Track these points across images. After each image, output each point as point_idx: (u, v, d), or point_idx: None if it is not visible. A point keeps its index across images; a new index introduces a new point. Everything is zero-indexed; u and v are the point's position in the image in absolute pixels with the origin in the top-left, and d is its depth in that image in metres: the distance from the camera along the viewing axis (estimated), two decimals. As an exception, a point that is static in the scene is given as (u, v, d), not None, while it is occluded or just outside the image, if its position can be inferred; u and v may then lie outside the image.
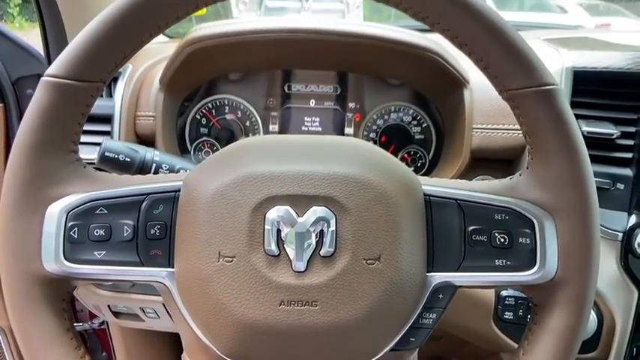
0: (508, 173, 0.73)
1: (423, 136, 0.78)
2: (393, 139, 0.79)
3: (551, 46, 0.69)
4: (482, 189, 0.39)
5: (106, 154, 0.50)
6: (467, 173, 0.69)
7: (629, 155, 0.62)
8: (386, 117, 0.79)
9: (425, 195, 0.38)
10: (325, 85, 0.79)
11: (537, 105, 0.35)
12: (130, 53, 0.36)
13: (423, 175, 0.77)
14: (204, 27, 0.63)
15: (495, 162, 0.70)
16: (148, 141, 0.73)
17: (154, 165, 0.52)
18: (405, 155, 0.78)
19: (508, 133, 0.66)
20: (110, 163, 0.50)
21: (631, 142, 0.62)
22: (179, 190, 0.38)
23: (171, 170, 0.52)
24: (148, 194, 0.37)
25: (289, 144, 0.39)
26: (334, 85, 0.80)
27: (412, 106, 0.78)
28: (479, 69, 0.37)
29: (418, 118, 0.78)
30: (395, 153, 0.78)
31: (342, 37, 0.64)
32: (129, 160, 0.50)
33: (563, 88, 0.63)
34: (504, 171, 0.70)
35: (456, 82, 0.68)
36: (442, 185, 0.39)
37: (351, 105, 0.80)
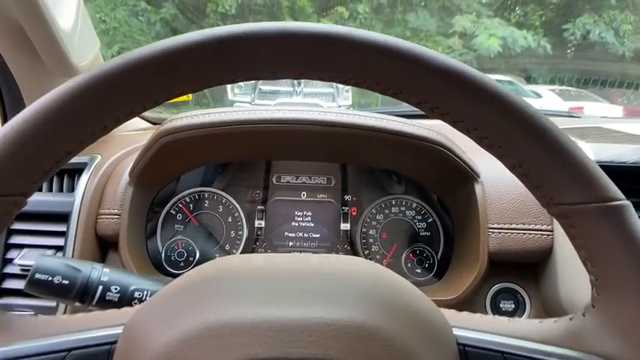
0: (534, 280, 0.63)
1: (429, 233, 0.69)
2: (395, 236, 0.69)
3: None
4: (534, 334, 0.29)
5: (37, 276, 0.39)
6: (486, 280, 0.59)
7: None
8: (386, 211, 0.70)
9: (459, 344, 0.28)
10: (318, 175, 0.72)
11: (602, 225, 0.26)
12: (65, 157, 0.28)
13: (433, 276, 0.66)
14: (180, 117, 0.57)
15: (518, 266, 0.60)
16: (110, 242, 0.63)
17: (101, 287, 0.41)
18: (410, 254, 0.68)
19: (530, 234, 0.57)
20: (42, 287, 0.39)
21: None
22: (116, 342, 0.26)
23: (123, 294, 0.41)
24: (70, 350, 0.26)
25: (271, 272, 0.29)
26: (328, 177, 0.72)
27: (415, 199, 0.70)
28: (515, 176, 0.29)
29: (422, 212, 0.70)
30: (398, 252, 0.68)
31: (332, 129, 0.57)
32: (67, 282, 0.39)
33: None
34: (529, 277, 0.60)
35: (465, 176, 0.60)
36: (479, 328, 0.29)
37: (347, 198, 0.71)
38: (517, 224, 0.58)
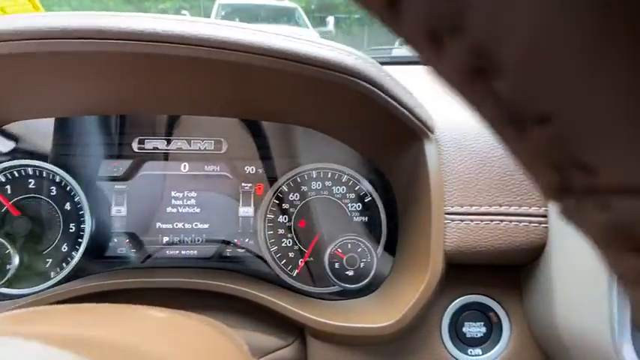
0: (515, 291, 0.41)
1: (365, 218, 0.47)
2: (316, 223, 0.47)
3: None
4: None
5: None
6: (442, 293, 0.38)
7: None
8: (304, 188, 0.48)
9: None
10: (204, 137, 0.49)
11: None
12: None
13: (368, 284, 0.45)
14: None
15: (492, 271, 0.39)
16: None
17: None
18: (338, 251, 0.46)
19: (512, 222, 0.35)
20: None
21: None
22: None
23: None
24: None
25: None
26: (216, 139, 0.49)
27: (346, 169, 0.48)
28: None
29: (357, 188, 0.47)
30: (320, 247, 0.47)
31: (213, 53, 0.32)
32: None
33: None
34: (508, 287, 0.39)
35: (410, 132, 0.37)
36: None
37: (249, 169, 0.49)
38: (491, 206, 0.36)
